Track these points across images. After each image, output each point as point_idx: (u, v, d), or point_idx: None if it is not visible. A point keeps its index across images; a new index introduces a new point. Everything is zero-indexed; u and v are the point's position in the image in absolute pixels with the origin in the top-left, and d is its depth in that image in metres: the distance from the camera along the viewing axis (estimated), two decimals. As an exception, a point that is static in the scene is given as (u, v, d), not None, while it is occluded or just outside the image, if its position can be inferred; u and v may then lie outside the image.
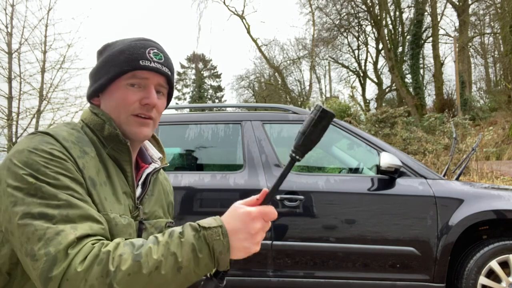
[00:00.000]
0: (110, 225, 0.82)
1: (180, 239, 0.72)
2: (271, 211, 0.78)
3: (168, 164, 1.09)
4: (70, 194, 0.76)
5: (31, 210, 0.73)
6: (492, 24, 21.09)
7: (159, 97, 0.95)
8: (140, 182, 0.98)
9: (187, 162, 3.51)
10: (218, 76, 38.39)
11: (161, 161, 1.07)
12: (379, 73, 26.02)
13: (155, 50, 0.94)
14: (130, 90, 0.91)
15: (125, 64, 0.90)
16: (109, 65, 0.92)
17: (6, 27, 10.10)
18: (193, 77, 38.37)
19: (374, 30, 24.08)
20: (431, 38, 22.33)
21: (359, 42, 26.38)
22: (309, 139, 0.75)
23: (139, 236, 0.93)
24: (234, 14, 25.65)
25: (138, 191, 0.97)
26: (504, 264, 2.66)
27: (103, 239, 0.76)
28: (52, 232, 0.71)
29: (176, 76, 37.67)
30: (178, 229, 0.75)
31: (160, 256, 0.70)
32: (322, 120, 0.74)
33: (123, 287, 0.69)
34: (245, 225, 0.74)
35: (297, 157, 0.76)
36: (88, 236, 0.74)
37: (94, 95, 0.96)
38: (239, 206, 0.77)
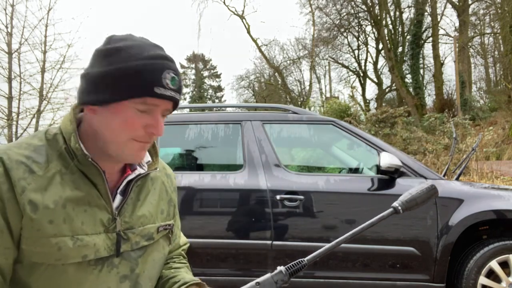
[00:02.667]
0: (52, 250, 0.80)
1: None
2: None
3: (158, 169, 1.00)
4: None
5: None
6: (492, 24, 21.09)
7: (162, 120, 0.88)
8: (119, 191, 0.91)
9: (187, 162, 3.51)
10: (218, 76, 38.40)
11: (150, 165, 0.98)
12: (379, 73, 26.02)
13: (172, 74, 0.83)
14: (137, 114, 0.83)
15: (138, 89, 0.80)
16: (119, 81, 0.80)
17: (6, 27, 10.12)
18: (193, 77, 38.39)
19: (374, 30, 24.09)
20: (431, 38, 22.32)
21: (359, 42, 26.40)
22: (415, 201, 0.99)
23: (117, 248, 0.88)
24: (234, 14, 25.66)
25: (118, 199, 0.91)
26: (504, 264, 2.65)
27: None
28: None
29: (176, 76, 37.76)
30: None
31: None
32: (429, 192, 1.00)
33: None
34: None
35: (400, 209, 0.98)
36: None
37: (91, 103, 0.85)
38: None
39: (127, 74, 0.80)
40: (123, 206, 0.90)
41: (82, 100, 0.86)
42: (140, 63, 0.80)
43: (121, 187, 0.92)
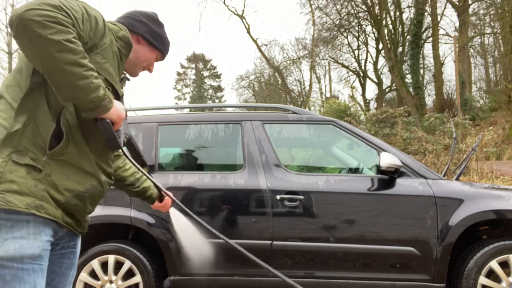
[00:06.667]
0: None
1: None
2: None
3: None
4: None
5: None
6: (492, 24, 21.08)
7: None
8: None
9: (187, 162, 3.51)
10: (218, 76, 38.42)
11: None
12: (379, 73, 26.00)
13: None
14: (154, 58, 1.57)
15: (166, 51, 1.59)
16: (163, 42, 1.55)
17: (6, 27, 10.12)
18: (193, 77, 38.41)
19: (374, 30, 24.07)
20: (431, 38, 22.30)
21: (359, 42, 26.36)
22: None
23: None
24: (234, 14, 25.65)
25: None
26: (504, 264, 2.65)
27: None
28: None
29: (176, 76, 37.93)
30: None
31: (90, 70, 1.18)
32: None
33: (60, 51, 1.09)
34: (119, 109, 1.32)
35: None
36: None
37: (142, 36, 1.49)
38: (122, 106, 1.35)
39: (166, 42, 1.58)
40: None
41: (139, 31, 1.48)
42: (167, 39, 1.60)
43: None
